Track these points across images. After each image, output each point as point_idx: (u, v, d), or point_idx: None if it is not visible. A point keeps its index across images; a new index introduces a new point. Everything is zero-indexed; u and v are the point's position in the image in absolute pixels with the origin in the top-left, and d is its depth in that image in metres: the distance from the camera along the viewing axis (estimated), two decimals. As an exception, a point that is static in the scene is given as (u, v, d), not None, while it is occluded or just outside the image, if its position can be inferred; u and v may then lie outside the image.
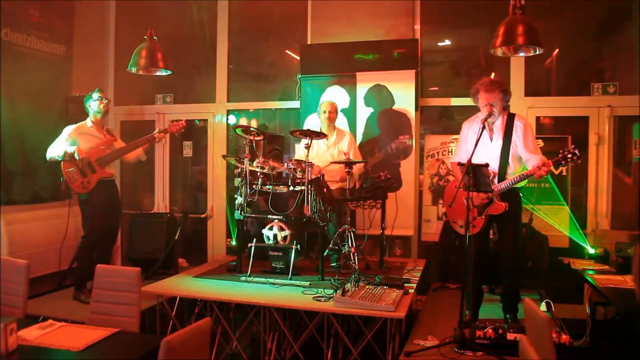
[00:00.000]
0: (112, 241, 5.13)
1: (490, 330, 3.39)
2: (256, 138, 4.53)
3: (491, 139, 3.86)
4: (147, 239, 5.54)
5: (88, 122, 4.85)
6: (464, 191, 3.55)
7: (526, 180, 3.82)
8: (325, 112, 5.05)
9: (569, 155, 3.47)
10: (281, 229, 4.42)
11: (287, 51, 6.32)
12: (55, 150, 4.67)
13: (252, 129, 4.38)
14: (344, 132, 5.24)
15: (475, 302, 4.00)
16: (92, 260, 4.66)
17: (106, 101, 4.86)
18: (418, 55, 5.48)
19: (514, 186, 3.75)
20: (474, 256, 3.90)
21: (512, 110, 3.95)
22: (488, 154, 3.82)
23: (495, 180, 3.76)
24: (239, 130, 4.49)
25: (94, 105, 4.79)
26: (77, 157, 4.61)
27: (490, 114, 3.75)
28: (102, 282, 3.17)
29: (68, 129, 4.75)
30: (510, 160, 3.79)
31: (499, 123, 3.84)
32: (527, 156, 3.75)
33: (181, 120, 5.06)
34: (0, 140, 5.04)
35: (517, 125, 3.79)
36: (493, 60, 5.45)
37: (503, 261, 3.93)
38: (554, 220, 5.02)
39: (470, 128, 3.97)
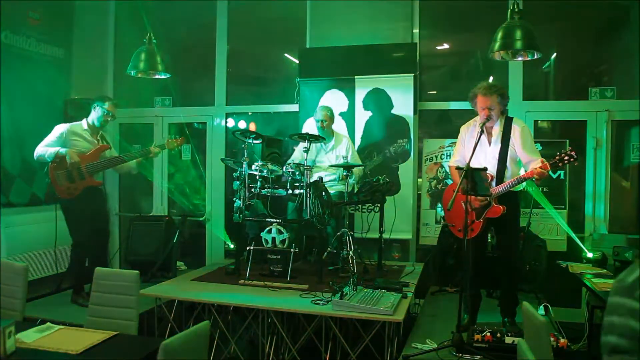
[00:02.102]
0: (103, 247, 5.04)
1: (488, 334, 3.39)
2: (255, 141, 4.54)
3: (489, 143, 3.87)
4: (145, 242, 5.54)
5: (83, 123, 4.69)
6: (461, 195, 3.56)
7: (524, 184, 3.83)
8: (317, 121, 5.06)
9: (566, 158, 3.47)
10: (280, 232, 4.42)
11: (286, 55, 6.34)
12: (45, 149, 4.48)
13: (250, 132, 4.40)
14: (343, 136, 5.25)
15: (474, 306, 4.00)
16: (84, 266, 4.63)
17: (111, 119, 4.74)
18: (417, 59, 5.50)
19: (513, 189, 3.76)
20: (472, 260, 3.91)
21: (510, 114, 3.97)
22: (486, 157, 3.84)
23: (494, 184, 3.77)
24: (238, 134, 4.50)
25: (100, 113, 4.64)
26: (68, 160, 4.46)
27: (487, 118, 3.77)
28: (100, 285, 3.17)
29: (59, 128, 4.59)
30: (508, 164, 3.80)
31: (497, 127, 3.85)
32: (526, 159, 3.75)
33: (179, 138, 5.04)
34: (-1, 143, 5.03)
35: (515, 128, 3.80)
36: (491, 65, 5.47)
37: (501, 264, 3.94)
38: (550, 224, 5.06)
39: (468, 132, 3.99)
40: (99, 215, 4.85)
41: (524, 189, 4.67)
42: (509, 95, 3.89)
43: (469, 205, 3.76)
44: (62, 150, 4.49)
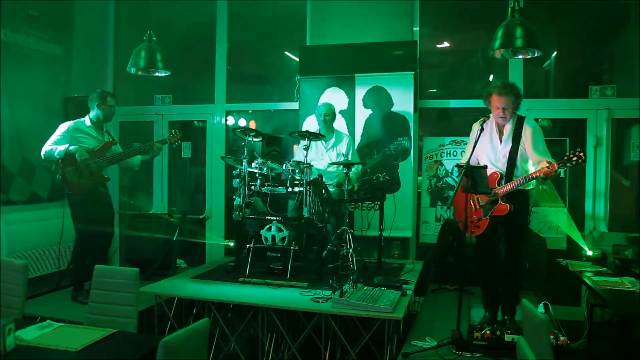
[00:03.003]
0: (107, 243, 5.04)
1: (487, 332, 3.39)
2: (255, 139, 4.54)
3: (500, 141, 3.88)
4: (145, 240, 5.54)
5: (87, 120, 4.72)
6: (470, 193, 3.58)
7: (534, 182, 3.82)
8: (320, 115, 5.06)
9: (574, 158, 3.47)
10: (279, 230, 4.42)
11: (286, 52, 6.34)
12: (53, 147, 4.52)
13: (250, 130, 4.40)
14: (343, 134, 5.25)
15: (494, 304, 4.01)
16: (86, 262, 4.63)
17: (114, 110, 4.80)
18: (417, 57, 5.49)
19: (522, 188, 3.76)
20: (482, 257, 3.95)
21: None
22: (496, 156, 3.86)
23: (503, 182, 3.78)
24: (237, 132, 4.50)
25: (103, 109, 4.68)
26: (78, 158, 4.50)
27: (487, 117, 3.78)
28: (100, 282, 3.17)
29: (64, 126, 4.62)
30: (518, 163, 3.82)
31: (508, 125, 3.86)
32: (536, 159, 3.75)
33: (179, 134, 5.08)
34: (-1, 141, 5.03)
35: (526, 128, 3.80)
36: (492, 63, 5.46)
37: (506, 262, 3.95)
38: (551, 222, 5.06)
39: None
40: (104, 212, 4.87)
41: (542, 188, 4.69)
42: (522, 95, 3.89)
43: (477, 202, 3.78)
44: (72, 147, 4.52)
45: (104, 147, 4.72)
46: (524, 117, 3.88)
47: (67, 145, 4.51)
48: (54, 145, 4.55)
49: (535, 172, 3.62)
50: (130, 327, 2.99)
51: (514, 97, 3.78)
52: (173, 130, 5.16)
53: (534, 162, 3.78)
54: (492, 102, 3.82)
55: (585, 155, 3.48)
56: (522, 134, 3.79)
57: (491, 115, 3.88)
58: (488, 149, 3.87)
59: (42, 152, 4.57)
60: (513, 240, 3.93)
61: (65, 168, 4.55)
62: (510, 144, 3.82)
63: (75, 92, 5.84)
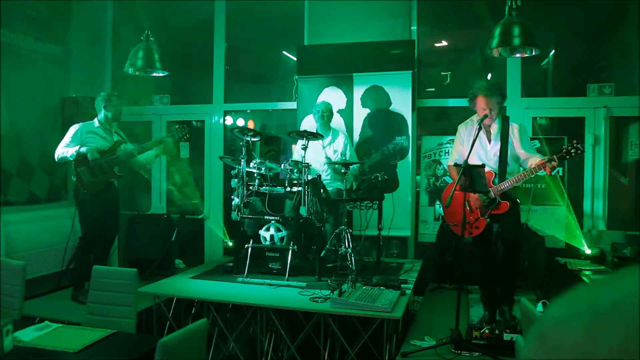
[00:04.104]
0: (110, 242, 5.08)
1: (486, 331, 3.39)
2: (253, 139, 4.54)
3: (489, 141, 3.90)
4: (144, 240, 5.54)
5: (95, 122, 4.80)
6: (461, 192, 3.57)
7: None
8: (319, 111, 5.05)
9: (572, 150, 3.49)
10: (278, 230, 4.41)
11: (284, 52, 6.33)
12: (65, 149, 4.61)
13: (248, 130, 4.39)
14: (340, 132, 5.24)
15: (492, 303, 4.01)
16: (89, 261, 4.65)
17: (121, 110, 4.88)
18: (415, 56, 5.49)
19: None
20: (481, 256, 3.96)
21: (509, 111, 3.99)
22: (487, 155, 3.88)
23: (497, 181, 3.79)
24: (235, 131, 4.50)
25: (110, 109, 4.76)
26: (90, 158, 4.58)
27: (485, 116, 3.79)
28: (99, 283, 3.18)
29: (73, 129, 4.70)
30: (509, 161, 3.84)
31: (495, 124, 3.88)
32: (525, 156, 3.80)
33: (186, 128, 5.10)
34: (-3, 141, 5.03)
35: (514, 126, 3.86)
36: (489, 61, 5.46)
37: (505, 259, 3.96)
38: (550, 221, 5.06)
39: (467, 131, 4.01)
40: (111, 211, 4.92)
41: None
42: (506, 94, 3.93)
43: (474, 203, 3.78)
44: (83, 148, 4.60)
45: (114, 146, 4.80)
46: (508, 116, 3.93)
47: (77, 147, 4.59)
48: (65, 148, 4.64)
49: (537, 167, 3.61)
50: (129, 327, 2.99)
51: (500, 98, 3.83)
52: (178, 125, 5.15)
53: (523, 159, 3.83)
54: (478, 104, 3.85)
55: (583, 146, 3.50)
56: (510, 132, 3.83)
57: (475, 116, 3.90)
58: (478, 148, 3.88)
59: (56, 156, 4.66)
60: (511, 237, 3.94)
61: (78, 168, 4.64)
62: (500, 143, 3.84)
63: (73, 92, 5.83)
